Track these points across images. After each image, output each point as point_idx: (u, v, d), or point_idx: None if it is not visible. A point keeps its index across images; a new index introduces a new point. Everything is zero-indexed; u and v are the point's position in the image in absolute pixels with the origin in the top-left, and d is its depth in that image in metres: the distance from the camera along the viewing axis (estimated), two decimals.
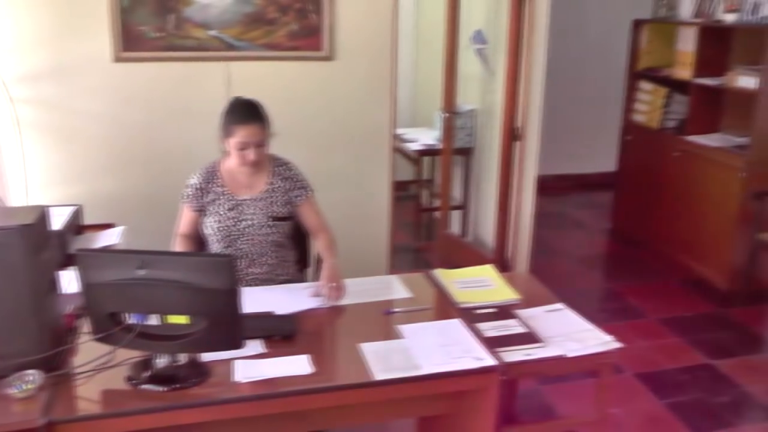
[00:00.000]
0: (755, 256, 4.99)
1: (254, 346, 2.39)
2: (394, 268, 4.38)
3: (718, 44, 5.45)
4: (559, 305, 2.83)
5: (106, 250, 3.03)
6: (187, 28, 3.86)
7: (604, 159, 7.19)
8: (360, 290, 2.92)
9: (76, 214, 3.46)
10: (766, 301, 5.18)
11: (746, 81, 5.05)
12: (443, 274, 3.03)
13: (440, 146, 5.41)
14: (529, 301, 2.85)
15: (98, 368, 2.22)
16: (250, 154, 2.96)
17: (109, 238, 3.32)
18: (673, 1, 5.93)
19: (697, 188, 5.45)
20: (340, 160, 4.27)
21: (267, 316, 2.66)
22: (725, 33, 5.42)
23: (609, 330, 2.69)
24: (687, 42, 5.59)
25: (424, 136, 5.87)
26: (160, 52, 3.86)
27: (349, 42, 4.12)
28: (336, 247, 3.15)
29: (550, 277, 5.15)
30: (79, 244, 3.23)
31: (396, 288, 2.98)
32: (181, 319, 2.14)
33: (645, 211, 6.07)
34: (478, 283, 2.97)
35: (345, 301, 2.82)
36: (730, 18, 5.28)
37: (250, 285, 3.02)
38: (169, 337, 2.18)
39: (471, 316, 2.67)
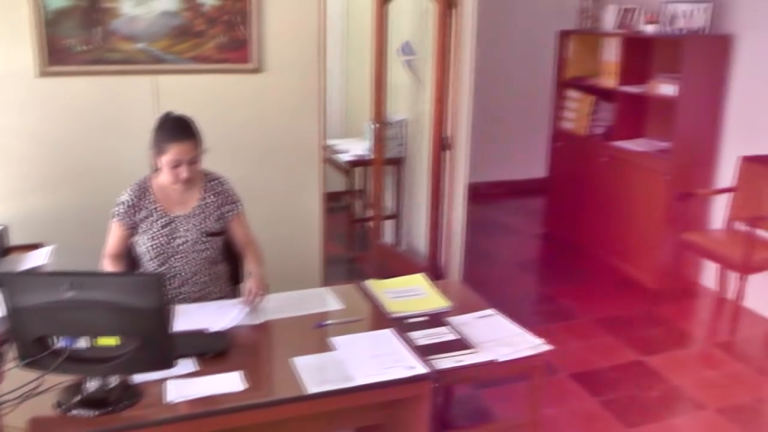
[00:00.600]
0: (681, 254, 5.16)
1: (186, 365, 2.38)
2: (328, 280, 4.38)
3: (640, 54, 5.67)
4: (489, 311, 2.88)
5: (33, 272, 2.97)
6: (114, 41, 3.78)
7: (535, 165, 7.34)
8: (292, 304, 2.93)
9: (2, 235, 3.37)
10: (691, 298, 5.40)
11: (666, 88, 5.25)
12: (375, 285, 3.06)
13: (371, 156, 5.44)
14: (461, 308, 2.90)
15: (26, 395, 2.17)
16: (183, 172, 2.94)
17: (37, 258, 3.23)
18: (597, 13, 6.12)
19: (625, 191, 5.62)
20: (270, 173, 4.24)
21: (199, 334, 2.65)
22: (646, 43, 5.62)
23: (543, 332, 2.75)
24: (611, 52, 5.78)
25: (355, 147, 5.88)
26: (87, 65, 3.77)
27: (278, 54, 4.10)
28: (263, 261, 3.15)
29: (484, 283, 5.26)
30: (4, 266, 3.15)
31: (328, 300, 2.99)
32: (111, 341, 2.11)
33: (576, 215, 6.22)
34: (410, 293, 3.01)
35: (277, 315, 2.82)
36: (650, 29, 5.48)
37: (184, 303, 3.00)
38: (99, 360, 2.14)
39: (403, 326, 2.70)
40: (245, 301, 2.86)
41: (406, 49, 5.20)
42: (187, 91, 3.95)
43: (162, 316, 2.14)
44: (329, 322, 2.77)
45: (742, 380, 4.25)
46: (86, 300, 2.09)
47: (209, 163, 3.14)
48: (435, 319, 2.77)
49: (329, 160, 5.74)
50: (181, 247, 3.06)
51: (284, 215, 4.32)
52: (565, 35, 6.25)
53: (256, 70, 4.07)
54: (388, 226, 5.70)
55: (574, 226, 6.27)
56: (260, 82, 4.11)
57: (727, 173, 5.30)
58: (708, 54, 5.21)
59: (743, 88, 5.19)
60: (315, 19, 4.14)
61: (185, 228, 3.07)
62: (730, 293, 5.10)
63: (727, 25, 5.26)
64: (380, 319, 2.81)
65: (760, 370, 4.41)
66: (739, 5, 5.17)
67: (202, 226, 3.09)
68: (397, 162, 5.51)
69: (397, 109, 5.39)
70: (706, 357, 4.54)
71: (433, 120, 4.73)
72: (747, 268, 4.67)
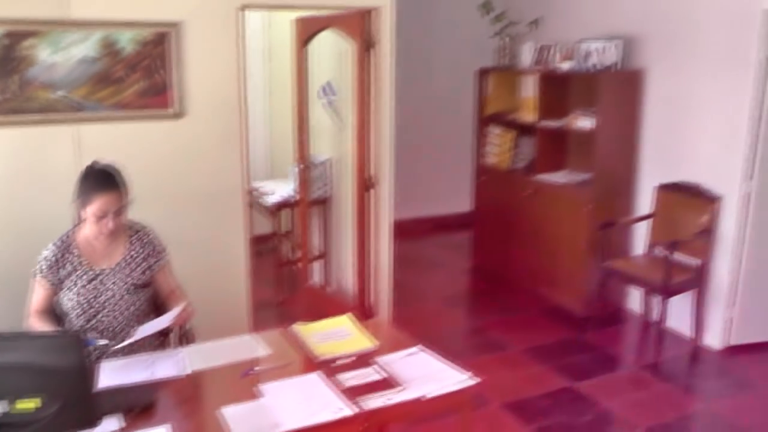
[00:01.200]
0: (605, 282, 5.30)
1: (111, 423, 2.32)
2: (258, 326, 4.34)
3: (557, 90, 5.87)
4: (416, 348, 2.91)
5: None
6: (32, 90, 3.71)
7: (460, 200, 7.47)
8: (219, 352, 2.89)
9: None
10: (618, 322, 5.55)
11: (584, 122, 5.43)
12: (302, 329, 3.05)
13: (297, 198, 5.45)
14: (388, 347, 2.91)
15: None
16: (109, 224, 2.89)
17: None
18: (514, 51, 6.30)
19: (549, 223, 5.76)
20: (194, 220, 4.21)
21: (125, 389, 2.58)
22: (562, 79, 5.83)
23: (475, 364, 2.77)
24: (529, 88, 5.97)
25: (281, 189, 5.87)
26: (4, 116, 3.68)
27: (199, 98, 4.10)
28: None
29: (415, 319, 5.31)
30: None
31: (255, 347, 2.97)
32: (30, 404, 2.05)
33: (502, 247, 6.33)
34: (336, 334, 3.01)
35: (205, 365, 2.79)
36: (565, 66, 5.68)
37: (112, 358, 2.90)
38: (19, 425, 2.06)
39: (330, 368, 2.70)
40: (175, 319, 2.82)
41: (327, 90, 5.25)
42: (108, 139, 3.92)
43: (83, 374, 2.09)
44: (257, 369, 2.75)
45: (669, 399, 4.38)
46: (2, 362, 2.03)
47: (132, 212, 3.11)
48: (362, 360, 2.78)
49: (255, 203, 5.72)
50: (108, 302, 3.00)
51: (210, 262, 4.28)
52: (484, 73, 6.42)
53: (177, 115, 4.06)
54: (317, 267, 5.69)
55: (501, 259, 6.37)
56: (182, 127, 4.10)
57: (645, 201, 5.51)
58: (621, 88, 5.43)
59: (656, 119, 5.43)
60: (235, 63, 4.17)
61: (112, 282, 3.01)
62: (654, 316, 5.25)
63: (638, 61, 5.51)
64: (307, 362, 2.80)
65: (685, 388, 4.59)
66: (648, 42, 5.42)
67: (129, 279, 3.04)
68: (323, 202, 5.52)
69: (321, 150, 5.41)
70: (634, 379, 4.67)
71: (356, 160, 4.77)
72: (667, 291, 4.84)
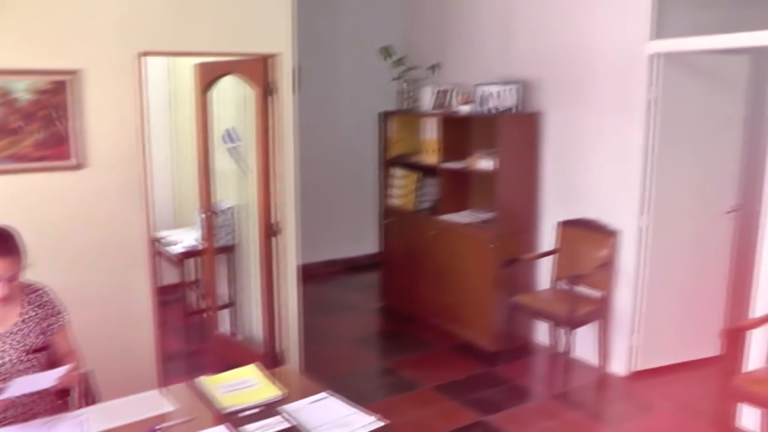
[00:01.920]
0: (512, 316, 5.41)
1: None
2: (167, 378, 4.25)
3: (458, 132, 6.01)
4: (323, 394, 2.89)
5: None
6: None
7: (368, 241, 7.52)
8: (122, 410, 2.79)
9: None
10: (527, 355, 5.66)
11: (485, 163, 5.57)
12: (207, 381, 3.00)
13: (203, 246, 5.38)
14: (294, 395, 2.88)
15: None
16: (2, 290, 2.77)
17: None
18: (416, 94, 6.44)
19: (455, 261, 5.85)
20: (96, 274, 4.08)
21: None
22: (463, 122, 5.97)
23: (385, 405, 2.79)
24: (431, 131, 6.10)
25: (186, 237, 5.78)
26: None
27: (100, 148, 4.00)
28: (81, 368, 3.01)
29: (325, 363, 5.29)
30: None
31: (161, 403, 2.89)
32: None
33: (411, 287, 6.39)
34: (242, 385, 2.97)
35: (107, 425, 2.68)
36: (465, 109, 5.84)
37: (9, 426, 2.75)
38: None
39: (236, 420, 2.65)
40: (59, 380, 2.73)
41: (230, 136, 5.21)
42: (5, 193, 3.78)
43: None
44: (161, 426, 2.68)
45: (578, 426, 4.50)
46: None
47: (30, 271, 2.95)
48: (268, 410, 2.74)
49: (161, 252, 5.61)
50: (2, 369, 2.86)
51: (114, 315, 4.16)
52: (386, 116, 6.52)
53: (77, 166, 3.96)
54: (226, 315, 5.59)
55: (410, 298, 6.43)
56: (83, 178, 3.99)
57: (548, 237, 5.69)
58: (520, 130, 5.62)
59: (555, 158, 5.65)
60: (137, 110, 4.11)
61: (4, 348, 2.87)
62: (561, 347, 5.38)
63: (536, 103, 5.73)
64: (213, 416, 2.74)
65: (593, 415, 4.72)
66: (544, 85, 5.66)
67: (24, 343, 2.89)
68: (229, 250, 5.45)
69: (226, 197, 5.35)
70: (543, 409, 4.77)
71: (260, 206, 4.75)
72: (573, 323, 4.98)
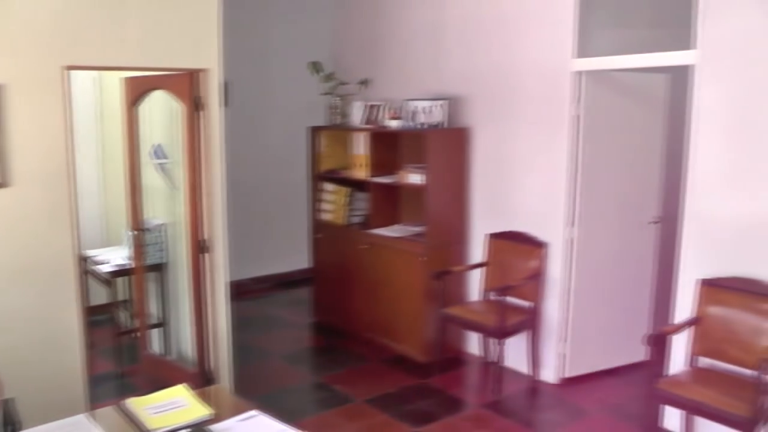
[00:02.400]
0: (443, 328, 5.49)
1: None
2: (96, 401, 4.13)
3: (388, 146, 6.08)
4: (253, 412, 2.87)
5: None
6: None
7: (300, 257, 7.45)
8: None
9: None
10: (459, 366, 5.75)
11: (414, 178, 5.65)
12: (135, 403, 2.95)
13: (133, 265, 5.28)
14: (224, 414, 2.86)
15: None
16: None
17: None
18: (345, 109, 6.46)
19: (387, 275, 5.90)
20: (21, 297, 3.92)
21: None
22: (392, 137, 6.04)
23: (318, 421, 2.79)
24: (360, 145, 6.14)
25: (116, 256, 5.65)
26: None
27: (24, 166, 3.86)
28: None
29: (258, 380, 5.26)
30: None
31: (86, 428, 2.81)
32: None
33: (343, 301, 6.41)
34: (171, 405, 2.93)
35: None
36: (394, 124, 5.90)
37: None
38: None
39: None
40: None
41: (158, 152, 5.13)
42: None
43: None
44: None
45: None
46: None
47: None
48: (197, 430, 2.72)
49: (90, 272, 5.48)
50: None
51: (40, 339, 4.00)
52: (316, 131, 6.53)
53: (0, 186, 3.82)
54: (157, 335, 5.48)
55: (342, 313, 6.44)
56: (5, 197, 3.84)
57: (479, 250, 5.79)
58: (449, 145, 5.73)
59: (484, 172, 5.78)
60: (62, 126, 3.99)
61: None
62: (493, 357, 5.48)
63: (464, 119, 5.86)
64: None
65: (525, 422, 4.83)
66: (473, 101, 5.79)
67: None
68: (160, 268, 5.34)
69: (156, 214, 5.25)
70: (476, 418, 4.85)
71: (190, 223, 4.69)
72: (503, 333, 5.08)
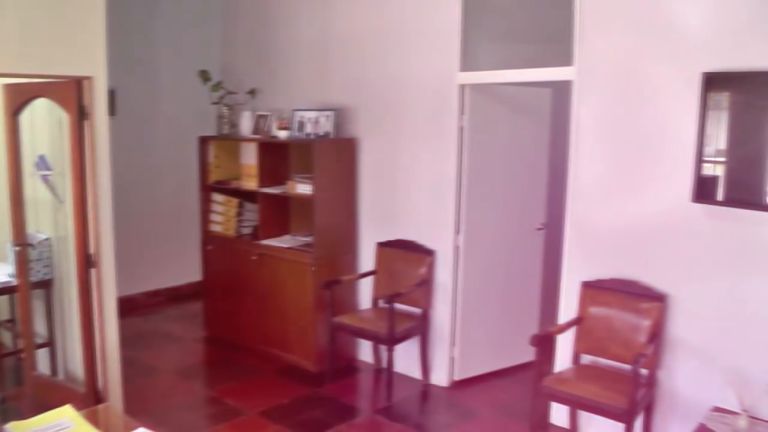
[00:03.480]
0: (334, 337, 5.56)
1: None
2: None
3: (277, 157, 6.12)
4: (140, 430, 2.86)
5: None
6: None
7: (191, 269, 7.35)
8: None
9: None
10: (351, 374, 5.84)
11: (303, 188, 5.70)
12: (17, 427, 2.87)
13: (16, 282, 5.08)
14: None
15: None
16: None
17: None
18: (235, 119, 6.42)
19: (277, 286, 5.92)
20: None
21: None
22: (281, 147, 6.08)
23: None
24: (250, 156, 6.13)
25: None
26: None
27: None
28: None
29: (148, 397, 5.18)
30: None
31: None
32: None
33: (233, 313, 6.38)
34: (56, 428, 2.85)
35: None
36: (282, 134, 5.93)
37: None
38: None
39: None
40: None
41: (42, 163, 4.96)
42: None
43: None
44: None
45: None
46: None
47: None
48: None
49: None
50: None
51: None
52: (205, 140, 6.46)
53: None
54: (44, 355, 5.29)
55: (234, 325, 6.40)
56: None
57: (368, 258, 5.90)
58: (336, 155, 5.80)
59: (372, 183, 5.90)
60: None
61: None
62: (384, 363, 5.60)
63: (352, 130, 5.96)
64: None
65: (417, 426, 4.96)
66: (360, 113, 5.91)
67: None
68: (46, 284, 5.15)
69: (42, 228, 5.07)
70: (369, 424, 4.94)
71: (76, 237, 4.56)
72: (393, 340, 5.21)
